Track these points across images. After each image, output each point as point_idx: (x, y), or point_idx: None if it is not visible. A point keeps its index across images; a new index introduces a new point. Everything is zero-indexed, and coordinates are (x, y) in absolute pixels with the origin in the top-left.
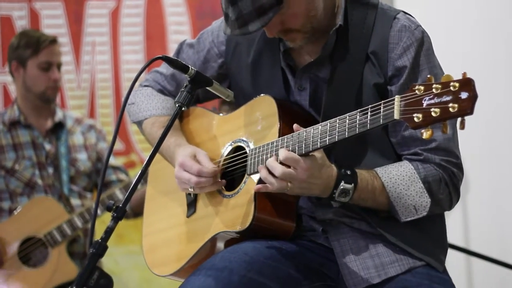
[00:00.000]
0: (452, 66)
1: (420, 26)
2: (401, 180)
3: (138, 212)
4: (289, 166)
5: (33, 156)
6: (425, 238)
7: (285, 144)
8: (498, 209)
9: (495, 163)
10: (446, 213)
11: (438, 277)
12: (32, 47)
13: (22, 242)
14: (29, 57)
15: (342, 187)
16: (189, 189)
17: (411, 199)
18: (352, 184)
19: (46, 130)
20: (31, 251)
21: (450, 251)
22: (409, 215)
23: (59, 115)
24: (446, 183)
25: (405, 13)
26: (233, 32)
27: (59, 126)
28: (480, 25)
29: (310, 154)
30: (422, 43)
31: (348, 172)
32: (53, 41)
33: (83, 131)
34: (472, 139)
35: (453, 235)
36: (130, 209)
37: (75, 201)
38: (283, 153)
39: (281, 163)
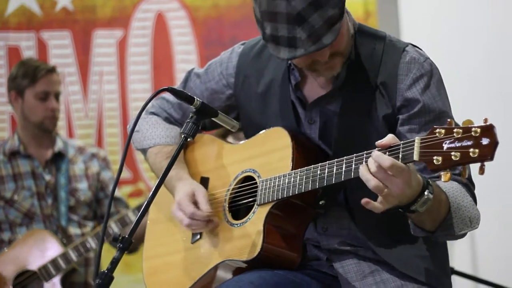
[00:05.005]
0: (460, 97)
1: (429, 58)
2: (456, 192)
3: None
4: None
5: (32, 186)
6: (429, 264)
7: (298, 176)
8: (506, 236)
9: (503, 189)
10: (453, 240)
11: None
12: (29, 77)
13: (18, 275)
14: (26, 86)
15: (426, 196)
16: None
17: (467, 211)
18: (433, 195)
19: (46, 160)
20: (27, 285)
21: (458, 279)
22: (464, 228)
23: (59, 145)
24: (475, 202)
25: (414, 45)
26: (308, 50)
27: (59, 156)
28: (489, 58)
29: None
30: (432, 75)
31: (430, 182)
32: (51, 70)
33: (84, 160)
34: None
35: (461, 262)
36: None
37: (74, 230)
38: (388, 160)
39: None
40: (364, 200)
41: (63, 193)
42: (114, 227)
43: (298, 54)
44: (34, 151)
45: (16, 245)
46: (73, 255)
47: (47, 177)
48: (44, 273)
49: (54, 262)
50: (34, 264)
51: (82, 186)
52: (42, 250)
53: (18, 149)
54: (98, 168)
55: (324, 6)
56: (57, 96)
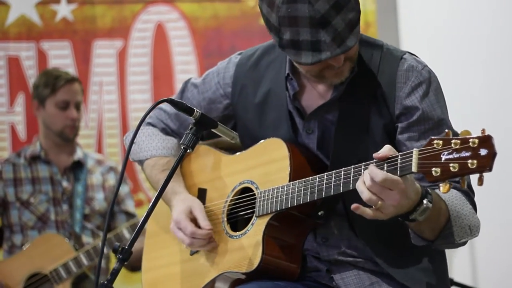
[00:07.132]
0: (460, 106)
1: (427, 66)
2: (456, 200)
3: (135, 266)
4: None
5: (49, 191)
6: (429, 276)
7: (296, 188)
8: (506, 247)
9: (503, 200)
10: (453, 251)
11: None
12: (50, 86)
13: (29, 278)
14: (47, 96)
15: (425, 205)
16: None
17: (466, 219)
18: (432, 204)
19: (64, 168)
20: (37, 287)
21: None
22: (464, 236)
23: (78, 154)
24: (475, 209)
25: (411, 53)
26: (334, 52)
27: (78, 165)
28: (488, 68)
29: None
30: (430, 82)
31: (429, 191)
32: (71, 80)
33: (102, 172)
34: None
35: (461, 274)
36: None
37: (87, 239)
38: (380, 175)
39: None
40: (354, 206)
41: (79, 200)
42: (126, 233)
43: (324, 57)
44: (54, 158)
45: (29, 248)
46: (84, 260)
47: (65, 184)
48: (55, 276)
49: (65, 265)
50: (46, 267)
51: (98, 196)
52: (53, 254)
53: (39, 154)
54: (114, 181)
55: (344, 8)
56: (77, 105)
